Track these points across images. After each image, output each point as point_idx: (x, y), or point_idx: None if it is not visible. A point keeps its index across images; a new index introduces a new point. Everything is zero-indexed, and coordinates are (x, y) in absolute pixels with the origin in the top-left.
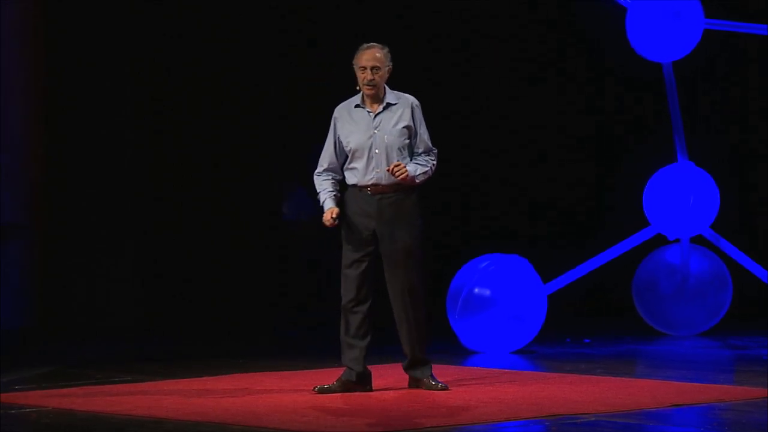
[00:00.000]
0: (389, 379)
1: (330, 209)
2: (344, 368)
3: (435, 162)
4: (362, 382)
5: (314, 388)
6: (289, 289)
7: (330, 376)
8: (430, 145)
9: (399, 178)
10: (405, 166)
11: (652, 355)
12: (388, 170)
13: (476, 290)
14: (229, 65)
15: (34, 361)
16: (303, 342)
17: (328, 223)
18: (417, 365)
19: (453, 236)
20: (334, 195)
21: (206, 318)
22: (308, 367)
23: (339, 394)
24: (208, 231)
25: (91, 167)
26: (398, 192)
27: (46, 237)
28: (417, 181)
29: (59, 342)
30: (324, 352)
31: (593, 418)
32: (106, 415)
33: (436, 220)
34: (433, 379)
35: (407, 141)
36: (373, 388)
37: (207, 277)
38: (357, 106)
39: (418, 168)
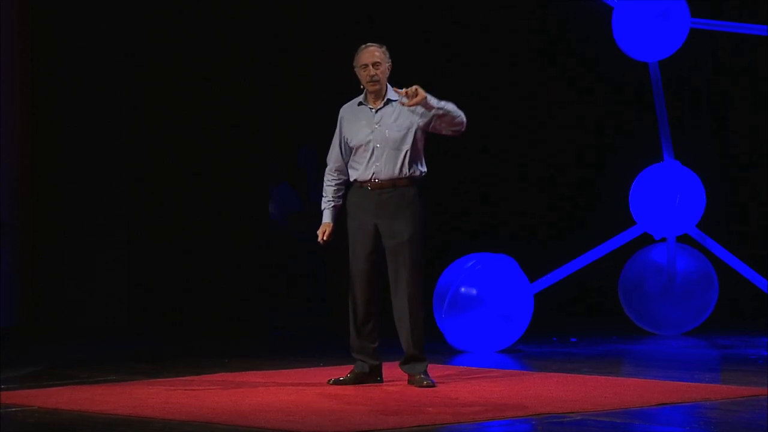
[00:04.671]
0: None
1: (323, 226)
2: (355, 362)
3: (464, 117)
4: (374, 373)
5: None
6: (287, 289)
7: (323, 375)
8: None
9: (413, 101)
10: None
11: (638, 354)
12: (401, 92)
13: (463, 289)
14: (229, 65)
15: (20, 360)
16: (291, 341)
17: (320, 241)
18: (411, 361)
19: (440, 235)
20: (334, 205)
21: (204, 318)
22: (295, 366)
23: (325, 391)
24: (208, 231)
25: (88, 167)
26: (397, 186)
27: (43, 237)
28: (436, 106)
29: (45, 341)
30: (316, 352)
31: (579, 417)
32: (91, 414)
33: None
34: (425, 376)
35: (407, 134)
36: (383, 380)
37: (205, 277)
38: (360, 104)
39: (443, 101)
